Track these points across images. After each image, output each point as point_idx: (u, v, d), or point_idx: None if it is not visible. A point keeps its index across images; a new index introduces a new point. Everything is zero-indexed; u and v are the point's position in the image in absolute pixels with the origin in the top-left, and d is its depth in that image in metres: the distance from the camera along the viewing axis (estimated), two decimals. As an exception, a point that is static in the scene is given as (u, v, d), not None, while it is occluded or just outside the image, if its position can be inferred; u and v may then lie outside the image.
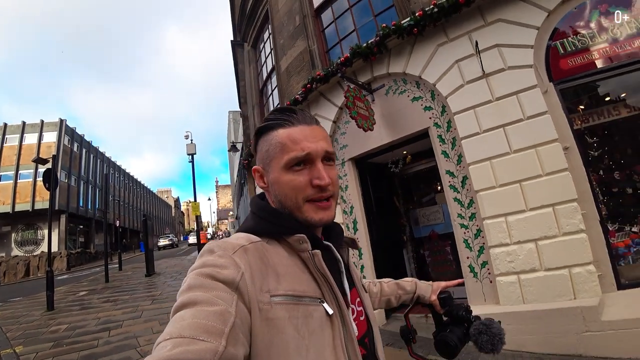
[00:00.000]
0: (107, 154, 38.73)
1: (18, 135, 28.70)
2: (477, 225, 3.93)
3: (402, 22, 4.34)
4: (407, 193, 6.02)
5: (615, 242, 3.50)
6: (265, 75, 8.71)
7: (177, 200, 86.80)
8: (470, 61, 3.96)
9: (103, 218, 15.43)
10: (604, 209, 3.60)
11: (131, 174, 47.50)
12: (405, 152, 5.40)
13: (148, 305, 7.76)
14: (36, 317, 7.47)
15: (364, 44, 4.79)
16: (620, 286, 3.32)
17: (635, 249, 3.44)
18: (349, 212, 5.44)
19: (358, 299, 0.80)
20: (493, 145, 3.77)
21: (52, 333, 5.94)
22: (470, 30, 4.06)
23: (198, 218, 17.68)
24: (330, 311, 0.66)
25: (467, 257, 4.01)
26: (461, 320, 0.98)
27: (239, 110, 12.11)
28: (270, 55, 8.21)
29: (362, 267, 5.21)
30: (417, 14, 4.19)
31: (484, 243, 3.84)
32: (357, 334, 0.71)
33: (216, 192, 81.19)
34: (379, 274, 5.13)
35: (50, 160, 9.77)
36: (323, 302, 0.66)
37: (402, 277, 4.56)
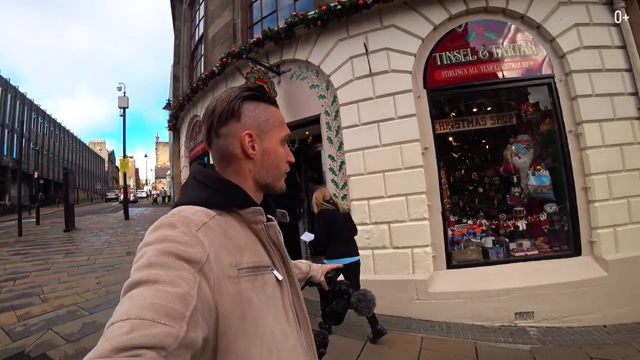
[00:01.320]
0: (28, 96, 34.25)
1: None
2: (347, 205, 4.50)
3: (309, 13, 4.62)
4: (310, 170, 6.53)
5: (454, 230, 4.26)
6: (197, 38, 8.51)
7: (111, 154, 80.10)
8: (362, 59, 4.37)
9: (18, 167, 14.26)
10: (449, 202, 4.33)
11: (58, 121, 42.61)
12: (307, 133, 5.82)
13: (60, 258, 7.78)
14: None
15: (274, 28, 5.01)
16: (450, 266, 4.08)
17: (466, 238, 4.23)
18: None
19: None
20: (367, 138, 4.30)
21: None
22: (368, 30, 4.46)
23: (125, 175, 17.04)
24: (280, 277, 0.72)
25: (337, 233, 4.61)
26: (343, 293, 1.16)
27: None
28: (202, 19, 8.02)
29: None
30: (321, 8, 4.48)
31: (351, 221, 4.44)
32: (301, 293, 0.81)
33: (156, 148, 75.61)
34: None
35: None
36: (273, 270, 0.71)
37: (296, 247, 5.12)
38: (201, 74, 7.09)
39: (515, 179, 4.30)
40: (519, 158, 4.29)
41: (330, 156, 4.75)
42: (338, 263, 1.35)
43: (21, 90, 32.86)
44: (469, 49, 4.22)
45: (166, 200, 33.33)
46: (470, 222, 4.27)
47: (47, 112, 39.41)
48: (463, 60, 4.21)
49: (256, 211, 0.72)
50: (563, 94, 4.05)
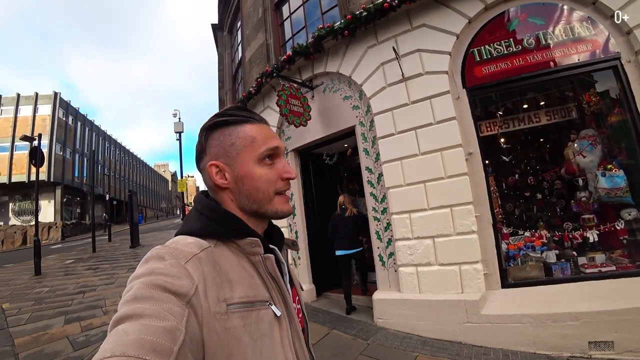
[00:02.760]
0: (102, 127, 38.86)
1: (13, 107, 28.84)
2: (387, 219, 4.25)
3: (335, 24, 4.52)
4: (352, 182, 6.34)
5: (509, 244, 3.81)
6: (237, 62, 8.86)
7: (174, 175, 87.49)
8: (394, 64, 4.16)
9: (91, 192, 15.89)
10: (501, 212, 3.90)
11: (127, 147, 47.64)
12: (346, 145, 5.67)
13: (123, 273, 8.43)
14: (24, 281, 8.27)
15: (303, 44, 4.98)
16: (505, 285, 3.62)
17: (524, 252, 3.74)
18: (290, 199, 5.80)
19: (297, 297, 0.83)
20: (404, 146, 4.04)
21: (35, 294, 6.71)
22: (397, 34, 4.24)
23: (183, 194, 18.24)
24: (279, 313, 0.67)
25: (378, 247, 4.37)
26: None
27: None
28: (240, 44, 8.34)
29: (297, 253, 5.62)
30: (347, 17, 4.37)
31: (391, 236, 4.17)
32: (301, 328, 0.74)
33: None
34: (314, 257, 5.55)
35: (37, 138, 10.27)
36: (271, 305, 0.66)
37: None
38: (240, 96, 7.33)
39: (580, 182, 3.74)
40: (584, 157, 3.73)
41: (367, 168, 4.55)
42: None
43: (96, 123, 37.20)
44: (511, 39, 3.80)
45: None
46: (527, 233, 3.79)
47: (118, 140, 43.96)
48: (506, 52, 3.80)
49: (253, 242, 0.68)
50: (634, 77, 3.43)
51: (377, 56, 4.37)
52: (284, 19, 6.39)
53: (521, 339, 3.13)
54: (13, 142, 27.11)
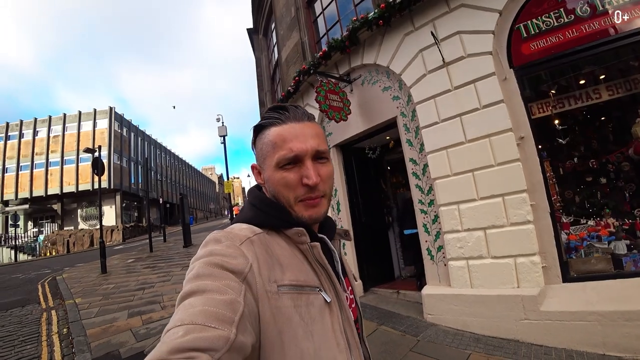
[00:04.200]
0: (153, 136, 42.24)
1: (76, 124, 32.13)
2: (435, 212, 4.10)
3: (369, 15, 4.42)
4: (397, 176, 6.20)
5: (570, 234, 3.51)
6: (274, 63, 9.01)
7: (220, 177, 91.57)
8: (433, 50, 3.99)
9: (146, 196, 17.03)
10: (559, 200, 3.60)
11: (176, 153, 51.02)
12: (388, 138, 5.55)
13: (178, 271, 9.06)
14: (93, 278, 9.23)
15: (338, 38, 4.93)
16: (567, 279, 3.34)
17: (588, 243, 3.42)
18: (334, 194, 5.80)
19: (350, 288, 0.85)
20: (449, 135, 3.87)
21: (102, 290, 7.51)
22: (434, 17, 4.05)
23: (230, 195, 18.93)
24: (328, 299, 0.69)
25: (426, 241, 4.22)
26: None
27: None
28: (275, 45, 8.47)
29: (343, 244, 5.58)
30: (380, 6, 4.26)
31: (440, 228, 4.01)
32: (353, 318, 0.76)
33: None
34: (360, 252, 5.51)
35: (97, 149, 11.39)
36: (321, 291, 0.69)
37: (386, 256, 4.95)
38: (279, 96, 7.45)
39: (653, 162, 3.36)
40: (656, 134, 3.34)
41: (411, 160, 4.42)
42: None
43: (147, 132, 40.11)
44: (562, 9, 3.45)
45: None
46: (591, 222, 3.45)
47: (167, 147, 46.94)
48: (556, 24, 3.46)
49: (299, 232, 0.72)
50: None
51: (414, 43, 4.21)
52: (317, 15, 6.39)
53: (587, 338, 2.86)
54: (78, 155, 29.85)
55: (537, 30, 3.56)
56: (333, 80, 5.04)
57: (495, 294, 3.44)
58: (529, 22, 3.60)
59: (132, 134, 36.57)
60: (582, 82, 3.70)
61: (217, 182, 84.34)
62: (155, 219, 33.41)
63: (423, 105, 4.11)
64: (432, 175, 4.02)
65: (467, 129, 3.76)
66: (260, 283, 0.62)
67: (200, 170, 69.60)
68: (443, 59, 3.90)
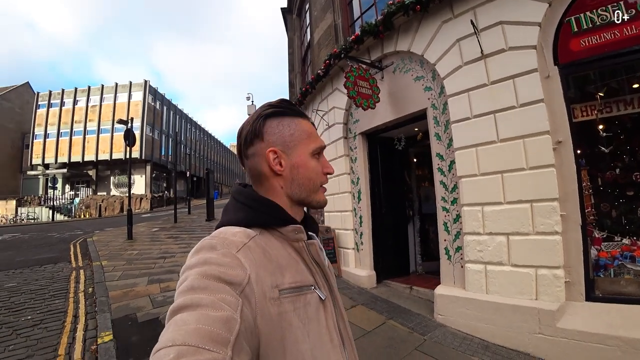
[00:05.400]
0: (184, 111, 43.29)
1: (112, 95, 33.40)
2: (457, 211, 3.94)
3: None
4: (422, 169, 6.02)
5: (601, 251, 3.27)
6: (306, 45, 8.86)
7: None
8: (471, 40, 3.74)
9: (173, 169, 17.57)
10: (593, 213, 3.35)
11: (205, 129, 52.18)
12: (416, 129, 5.37)
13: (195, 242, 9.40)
14: (119, 243, 9.76)
15: (372, 22, 4.74)
16: (591, 298, 3.12)
17: (619, 262, 3.16)
18: (356, 182, 5.75)
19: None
20: (481, 132, 3.66)
21: (127, 255, 7.92)
22: (476, 5, 3.77)
23: None
24: (323, 296, 0.70)
25: (445, 240, 4.09)
26: None
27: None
28: (308, 26, 8.31)
29: (361, 234, 5.54)
30: (419, -10, 4.03)
31: (460, 229, 3.87)
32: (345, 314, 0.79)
33: None
34: (377, 243, 5.44)
35: (130, 121, 11.89)
36: (316, 289, 0.69)
37: (403, 250, 4.83)
38: (309, 78, 7.33)
39: None
40: None
41: (438, 155, 4.25)
42: None
43: (179, 107, 41.20)
44: (621, 2, 3.10)
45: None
46: (626, 241, 3.18)
47: (198, 122, 48.07)
48: (612, 19, 3.13)
49: (296, 229, 0.71)
50: None
51: (452, 32, 3.97)
52: (354, -4, 6.15)
53: (607, 363, 2.68)
54: (113, 125, 31.07)
55: (590, 25, 3.25)
56: (364, 66, 4.88)
57: (511, 303, 3.29)
58: (581, 15, 3.28)
59: (165, 107, 37.64)
60: (635, 85, 3.38)
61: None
62: (182, 191, 34.55)
63: (456, 98, 3.90)
64: (458, 173, 3.85)
65: (501, 127, 3.54)
66: (260, 293, 0.59)
67: (229, 147, 71.10)
68: (482, 50, 3.66)
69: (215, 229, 0.72)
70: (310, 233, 0.79)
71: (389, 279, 5.29)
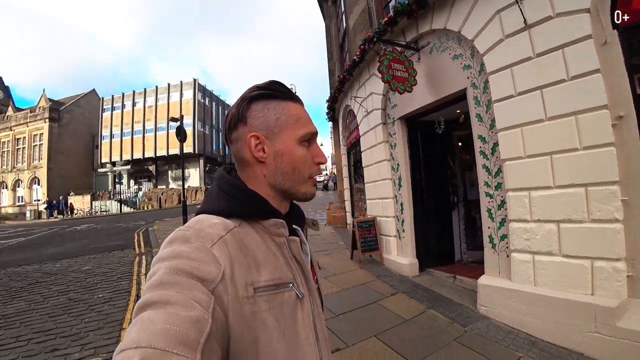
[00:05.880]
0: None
1: (166, 95, 35.83)
2: (502, 196, 3.69)
3: (441, -29, 3.93)
4: (466, 153, 5.70)
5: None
6: (342, 32, 8.73)
7: None
8: (512, 10, 3.40)
9: (223, 162, 18.47)
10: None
11: None
12: (458, 111, 5.07)
13: None
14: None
15: (405, 2, 4.50)
16: None
17: None
18: (396, 169, 5.61)
19: (315, 277, 0.83)
20: (526, 110, 3.35)
21: None
22: (519, -29, 3.43)
23: None
24: (301, 294, 0.66)
25: (489, 227, 3.86)
26: None
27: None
28: (344, 12, 8.16)
29: (403, 221, 5.42)
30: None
31: (505, 215, 3.61)
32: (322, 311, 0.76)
33: (331, 137, 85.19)
34: (419, 230, 5.30)
35: (180, 118, 12.71)
36: (294, 286, 0.66)
37: (447, 238, 5.41)
38: (346, 65, 7.22)
39: None
40: None
41: (480, 137, 3.98)
42: None
43: (227, 102, 43.69)
44: None
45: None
46: None
47: None
48: None
49: (277, 224, 0.68)
50: None
51: (491, 3, 3.63)
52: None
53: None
54: (167, 123, 33.19)
55: (659, -22, 2.81)
56: (398, 48, 4.69)
57: (562, 297, 3.01)
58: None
59: (214, 103, 39.78)
60: None
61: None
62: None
63: (497, 75, 3.60)
64: (502, 156, 3.58)
65: (549, 104, 3.22)
66: (233, 291, 0.56)
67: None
68: (525, 20, 3.32)
69: (196, 214, 0.70)
70: (294, 227, 0.75)
71: (432, 268, 5.14)
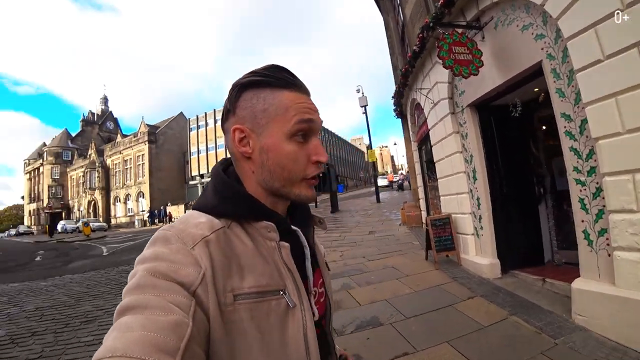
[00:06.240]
0: None
1: None
2: (597, 183, 3.06)
3: None
4: (552, 137, 4.93)
5: None
6: (401, 24, 8.40)
7: (368, 146, 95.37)
8: (593, -42, 2.85)
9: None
10: None
11: (326, 127, 56.10)
12: (537, 90, 4.41)
13: (322, 234, 10.03)
14: None
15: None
16: None
17: None
18: (469, 160, 5.15)
19: (321, 280, 0.77)
20: (620, 75, 2.72)
21: None
22: None
23: (374, 164, 19.83)
24: (292, 303, 0.61)
25: (582, 221, 3.23)
26: None
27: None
28: (400, 4, 7.85)
29: (480, 217, 4.93)
30: None
31: (603, 206, 2.99)
32: (317, 317, 0.68)
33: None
34: (500, 227, 4.77)
35: None
36: (285, 294, 0.60)
37: (534, 235, 4.85)
38: (408, 58, 6.92)
39: None
40: None
41: (564, 115, 3.39)
42: None
43: None
44: None
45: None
46: None
47: None
48: None
49: (268, 227, 0.63)
50: None
51: (566, -44, 3.09)
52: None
53: None
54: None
55: None
56: (458, 30, 4.29)
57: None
58: None
59: None
60: None
61: (365, 151, 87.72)
62: (311, 186, 38.29)
63: (578, 39, 3.01)
64: (594, 134, 2.97)
65: (652, 63, 2.58)
66: (213, 295, 0.53)
67: (349, 141, 74.04)
68: (610, -34, 2.74)
69: (192, 208, 0.68)
70: (294, 228, 0.68)
71: (517, 269, 4.51)
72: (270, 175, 0.64)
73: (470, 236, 5.21)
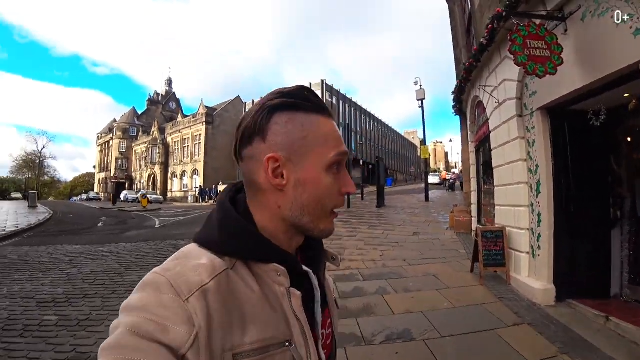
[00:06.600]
0: (358, 102, 48.79)
1: None
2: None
3: None
4: (637, 151, 4.22)
5: None
6: (468, 13, 7.74)
7: (422, 141, 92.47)
8: None
9: (348, 158, 19.77)
10: None
11: (379, 117, 56.72)
12: (626, 95, 3.76)
13: (365, 229, 9.88)
14: None
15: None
16: None
17: None
18: (534, 171, 4.66)
19: (329, 321, 0.71)
20: None
21: None
22: None
23: (426, 161, 19.33)
24: (299, 358, 0.55)
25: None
26: None
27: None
28: (471, -12, 7.19)
29: (539, 236, 4.45)
30: None
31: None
32: None
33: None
34: (561, 250, 4.26)
35: None
36: (291, 346, 0.55)
37: (601, 264, 4.16)
38: (473, 51, 6.35)
39: None
40: None
41: (661, 129, 2.84)
42: None
43: (354, 99, 47.47)
44: None
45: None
46: None
47: (371, 112, 53.22)
48: None
49: (278, 271, 0.56)
50: None
51: None
52: None
53: None
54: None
55: None
56: (537, 21, 3.76)
57: None
58: None
59: (341, 102, 42.83)
60: None
61: (419, 145, 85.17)
62: (358, 178, 37.66)
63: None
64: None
65: None
66: (208, 356, 0.46)
67: (402, 134, 72.52)
68: None
69: (193, 240, 0.60)
70: (306, 269, 0.61)
71: (576, 299, 3.94)
72: (301, 211, 0.58)
73: (525, 254, 4.71)
